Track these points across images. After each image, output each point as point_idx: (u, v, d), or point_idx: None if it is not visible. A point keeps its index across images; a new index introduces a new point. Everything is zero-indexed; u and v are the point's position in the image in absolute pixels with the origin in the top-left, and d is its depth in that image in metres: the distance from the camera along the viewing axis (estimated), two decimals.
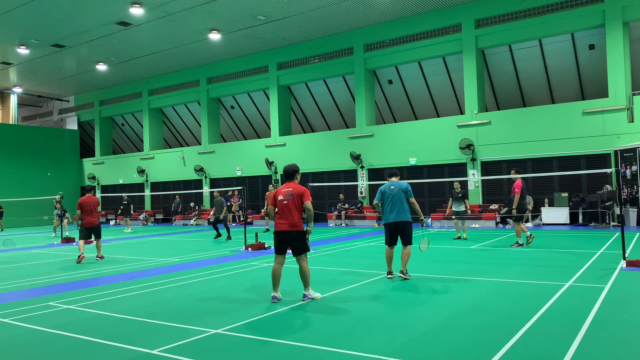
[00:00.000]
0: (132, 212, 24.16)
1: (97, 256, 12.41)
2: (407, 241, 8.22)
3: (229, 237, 16.83)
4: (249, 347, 4.84)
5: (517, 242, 12.17)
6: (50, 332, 5.55)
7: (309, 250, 6.82)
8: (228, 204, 24.52)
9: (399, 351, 4.56)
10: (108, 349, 4.90)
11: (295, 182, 6.85)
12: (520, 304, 6.23)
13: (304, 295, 6.70)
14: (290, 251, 6.84)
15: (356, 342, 4.84)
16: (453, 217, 14.61)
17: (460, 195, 14.36)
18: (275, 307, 6.40)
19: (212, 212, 17.43)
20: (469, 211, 14.74)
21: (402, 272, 8.14)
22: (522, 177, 12.53)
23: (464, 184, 20.81)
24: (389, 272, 8.31)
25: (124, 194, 23.88)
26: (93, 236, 12.43)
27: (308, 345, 4.82)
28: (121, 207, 23.80)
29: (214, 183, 28.61)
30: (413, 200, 8.27)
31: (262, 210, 22.32)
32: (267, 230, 18.96)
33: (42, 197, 24.73)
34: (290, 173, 6.87)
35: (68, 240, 17.67)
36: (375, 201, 8.53)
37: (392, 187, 8.31)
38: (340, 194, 23.34)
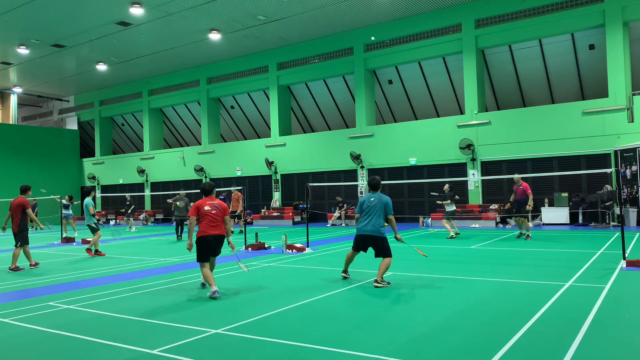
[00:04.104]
0: (133, 212, 24.19)
1: (9, 267, 10.67)
2: (386, 254, 7.79)
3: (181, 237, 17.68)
4: (249, 347, 4.84)
5: (527, 235, 13.81)
6: (50, 332, 5.55)
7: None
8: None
9: (399, 351, 4.56)
10: (108, 349, 4.89)
11: (213, 196, 7.78)
12: (520, 304, 6.23)
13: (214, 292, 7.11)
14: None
15: (356, 342, 4.84)
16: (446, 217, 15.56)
17: (453, 197, 15.33)
18: (275, 307, 6.41)
19: (175, 212, 17.68)
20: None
21: (376, 280, 7.60)
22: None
23: (463, 184, 20.83)
24: (344, 271, 8.39)
25: (127, 194, 23.93)
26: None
27: (308, 345, 4.82)
28: (125, 207, 23.95)
29: (214, 183, 28.57)
30: (392, 217, 7.96)
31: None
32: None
33: (42, 197, 24.69)
34: (209, 190, 7.80)
35: (68, 240, 17.68)
36: (356, 214, 8.19)
37: (372, 199, 8.01)
38: (337, 197, 23.26)
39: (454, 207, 15.35)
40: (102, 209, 33.97)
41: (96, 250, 13.11)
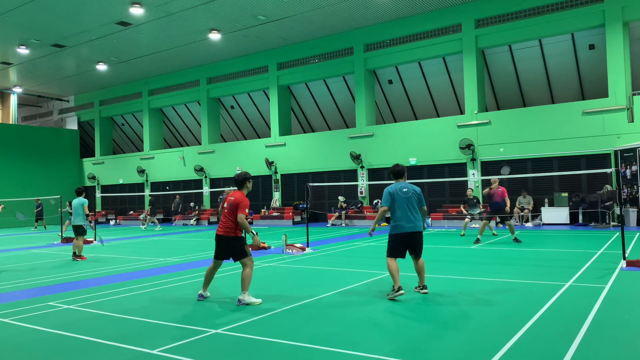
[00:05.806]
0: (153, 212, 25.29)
1: None
2: (420, 253, 6.99)
3: None
4: (249, 347, 4.84)
5: (515, 237, 13.30)
6: (50, 332, 5.55)
7: (247, 256, 6.82)
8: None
9: (399, 351, 4.56)
10: (108, 349, 4.90)
11: (243, 190, 6.92)
12: (520, 304, 6.23)
13: (239, 300, 6.65)
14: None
15: (356, 342, 4.84)
16: (469, 217, 16.27)
17: (475, 201, 15.91)
18: (275, 307, 6.41)
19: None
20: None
21: (424, 286, 7.02)
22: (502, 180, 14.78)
23: (463, 184, 20.83)
24: (399, 288, 6.61)
25: (150, 194, 24.62)
26: None
27: (308, 345, 4.82)
28: (150, 206, 25.06)
29: (214, 183, 28.61)
30: (425, 208, 7.10)
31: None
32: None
33: (42, 197, 24.70)
34: (240, 181, 6.95)
35: (68, 240, 17.70)
36: (383, 207, 6.87)
37: (404, 190, 6.86)
38: (339, 196, 23.22)
39: (477, 210, 16.19)
40: (102, 209, 33.97)
41: (77, 254, 12.46)
